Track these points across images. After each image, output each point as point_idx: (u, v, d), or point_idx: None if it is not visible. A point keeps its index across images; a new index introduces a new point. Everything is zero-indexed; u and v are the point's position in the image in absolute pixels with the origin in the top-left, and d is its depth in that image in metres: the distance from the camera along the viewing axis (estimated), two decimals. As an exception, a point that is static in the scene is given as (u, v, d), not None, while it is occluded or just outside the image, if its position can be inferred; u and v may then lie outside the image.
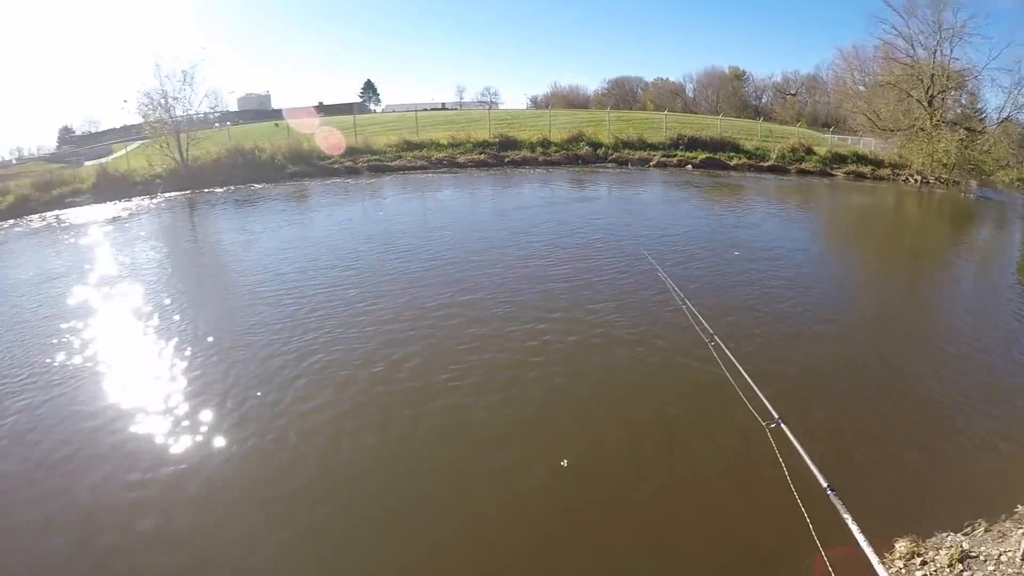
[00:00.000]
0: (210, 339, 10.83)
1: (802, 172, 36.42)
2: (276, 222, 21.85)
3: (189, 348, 10.48)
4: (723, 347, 6.39)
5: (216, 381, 9.11)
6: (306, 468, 6.91)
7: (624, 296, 11.50)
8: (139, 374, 9.71)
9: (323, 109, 75.80)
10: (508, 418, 7.75)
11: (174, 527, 6.19)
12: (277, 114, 69.73)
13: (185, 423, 7.94)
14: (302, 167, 34.34)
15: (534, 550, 5.69)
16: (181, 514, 6.34)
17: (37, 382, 9.92)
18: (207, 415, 8.13)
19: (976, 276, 16.55)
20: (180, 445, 7.48)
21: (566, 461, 6.72)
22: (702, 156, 35.80)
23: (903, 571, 5.20)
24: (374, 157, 35.32)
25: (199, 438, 7.61)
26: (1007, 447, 7.33)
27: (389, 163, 34.51)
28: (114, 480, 6.93)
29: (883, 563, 4.46)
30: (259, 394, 8.58)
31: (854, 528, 3.38)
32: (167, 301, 13.37)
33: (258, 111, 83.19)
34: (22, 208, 33.02)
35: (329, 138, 36.87)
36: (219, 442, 7.51)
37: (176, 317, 12.27)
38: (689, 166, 34.56)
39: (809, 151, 38.88)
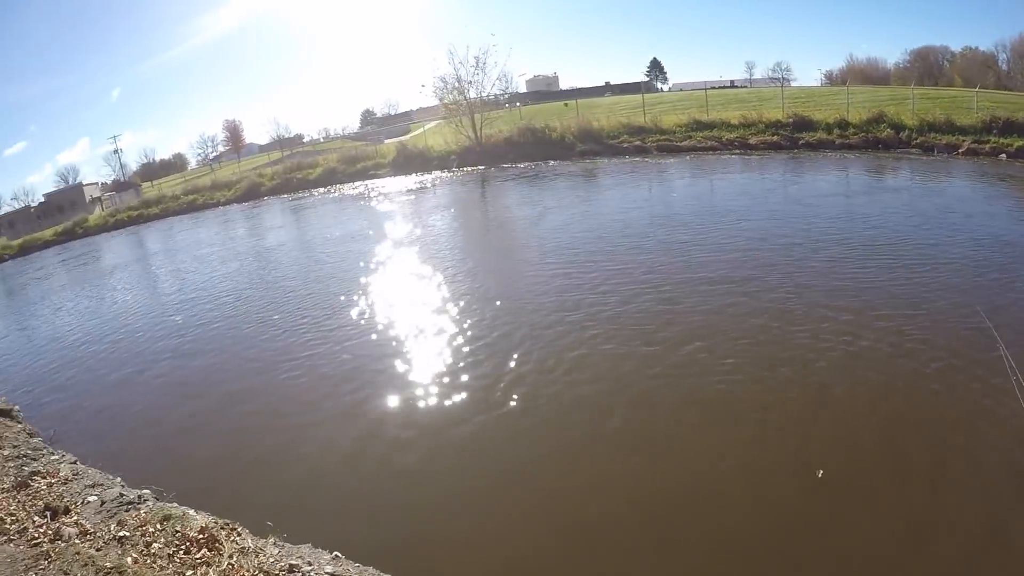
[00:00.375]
0: (497, 304, 12.22)
1: None
2: (566, 198, 23.35)
3: (476, 311, 12.01)
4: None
5: (500, 346, 10.43)
6: (575, 454, 7.49)
7: (926, 311, 10.71)
8: (427, 330, 11.36)
9: (610, 88, 77.62)
10: (777, 422, 7.76)
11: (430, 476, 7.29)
12: (565, 94, 72.31)
13: (464, 383, 9.26)
14: (591, 146, 35.94)
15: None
16: (439, 473, 7.40)
17: (338, 325, 11.96)
18: (488, 377, 9.34)
19: None
20: (458, 403, 8.77)
21: (821, 471, 6.63)
22: (1019, 143, 31.39)
23: None
24: (663, 137, 36.11)
25: (476, 398, 8.80)
26: None
27: (678, 143, 35.10)
28: (388, 426, 8.42)
29: None
30: (541, 362, 9.61)
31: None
32: (458, 264, 15.11)
33: (546, 92, 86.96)
34: (330, 178, 37.97)
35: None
36: (497, 405, 8.56)
37: (465, 280, 13.88)
38: (1003, 155, 30.88)
39: None
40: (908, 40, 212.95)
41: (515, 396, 8.73)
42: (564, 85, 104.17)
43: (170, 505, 6.54)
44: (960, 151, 31.96)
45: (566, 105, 50.92)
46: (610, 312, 11.33)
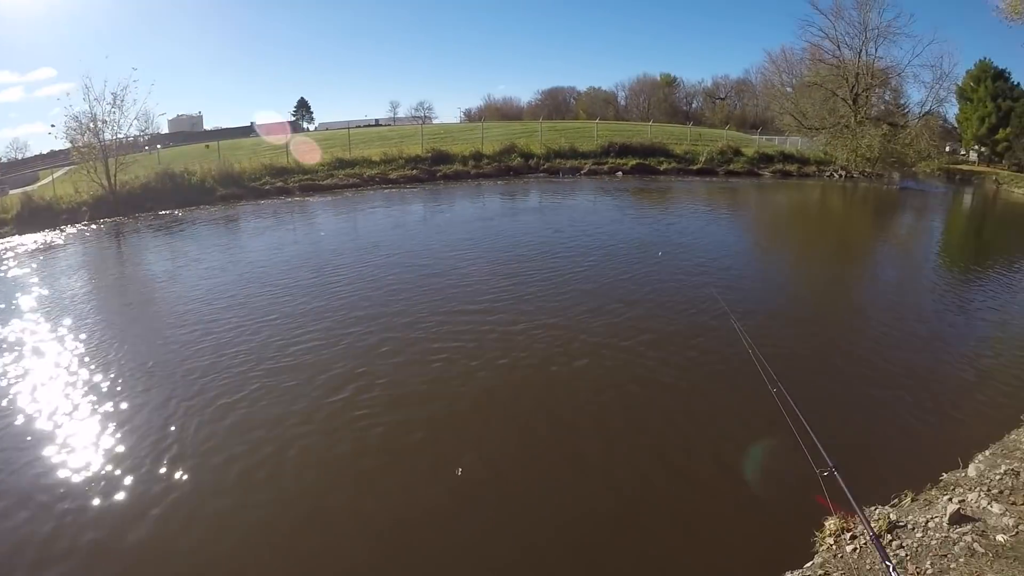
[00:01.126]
0: (143, 374, 10.45)
1: (731, 173, 38.15)
2: (205, 248, 21.48)
3: (121, 385, 10.09)
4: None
5: (154, 422, 8.69)
6: (256, 530, 6.38)
7: (571, 307, 11.57)
8: (56, 419, 9.25)
9: (255, 129, 75.06)
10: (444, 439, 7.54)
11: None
12: (209, 135, 68.64)
13: (123, 472, 7.34)
14: (233, 189, 33.90)
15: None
16: None
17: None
18: (146, 460, 7.50)
19: (902, 261, 18.78)
20: (121, 502, 6.89)
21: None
22: (632, 162, 36.83)
23: (834, 547, 5.33)
24: (306, 177, 35.06)
25: (139, 489, 6.92)
26: (931, 422, 8.14)
27: (321, 182, 34.28)
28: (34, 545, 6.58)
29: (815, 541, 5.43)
30: (197, 432, 8.18)
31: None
32: (90, 335, 12.82)
33: (190, 133, 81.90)
34: (-60, 239, 32.18)
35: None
36: (162, 496, 6.76)
37: (97, 352, 11.79)
38: (620, 173, 35.56)
39: (737, 153, 40.57)
40: (541, 81, 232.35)
41: (180, 478, 7.00)
42: (208, 125, 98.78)
43: None
44: (583, 172, 35.35)
45: (207, 147, 48.49)
46: (259, 371, 9.79)
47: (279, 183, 34.23)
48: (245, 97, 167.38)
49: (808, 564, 5.20)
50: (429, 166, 35.04)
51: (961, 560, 4.89)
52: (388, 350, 10.25)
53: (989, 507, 5.59)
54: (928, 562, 4.93)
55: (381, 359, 9.90)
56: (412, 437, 7.62)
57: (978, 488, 6.05)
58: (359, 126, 71.12)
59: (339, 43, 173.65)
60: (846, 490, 4.44)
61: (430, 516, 6.24)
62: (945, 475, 6.58)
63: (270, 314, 12.56)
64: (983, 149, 63.78)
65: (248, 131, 73.54)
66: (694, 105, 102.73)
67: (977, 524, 5.34)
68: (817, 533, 5.57)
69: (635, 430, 7.64)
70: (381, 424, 7.97)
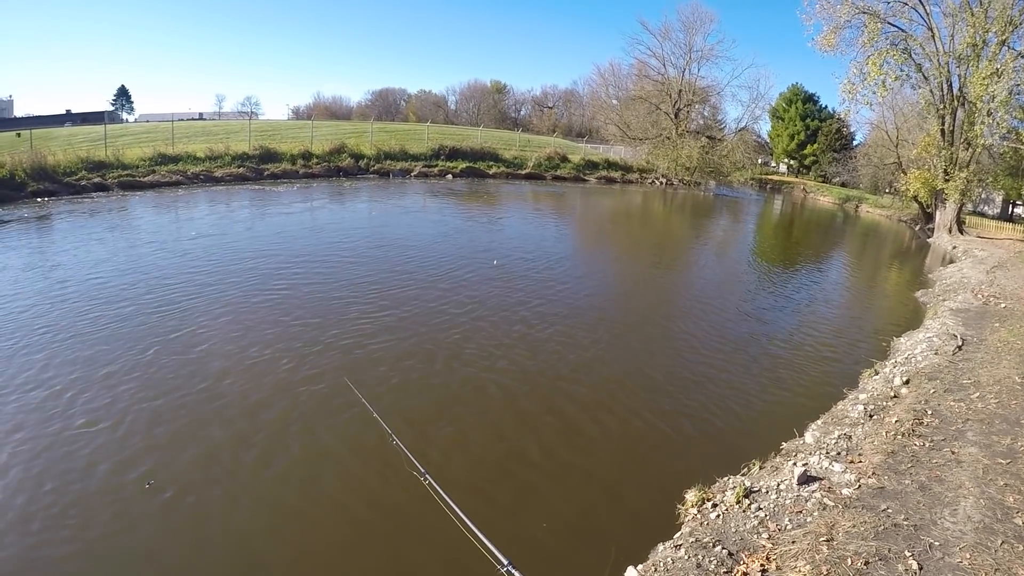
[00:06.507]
0: None
1: (557, 178, 40.41)
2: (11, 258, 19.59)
3: None
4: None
5: None
6: None
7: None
8: None
9: (71, 117, 70.11)
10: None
11: None
12: (20, 123, 63.80)
13: None
14: (47, 184, 31.80)
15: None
16: None
17: None
18: None
19: (718, 260, 21.35)
20: None
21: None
22: (462, 166, 37.84)
23: (698, 516, 5.83)
24: (125, 172, 33.09)
25: None
26: (764, 399, 9.52)
27: (141, 178, 32.46)
28: None
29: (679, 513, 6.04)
30: None
31: None
32: None
33: (-2, 118, 75.69)
34: None
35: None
36: None
37: None
38: (450, 176, 36.49)
39: (564, 159, 42.59)
40: (371, 81, 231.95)
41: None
42: (19, 111, 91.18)
43: None
44: (413, 174, 35.69)
45: (19, 136, 45.25)
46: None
47: (96, 178, 32.03)
48: (62, 81, 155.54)
49: (677, 535, 5.59)
50: (257, 164, 33.95)
51: (815, 514, 5.57)
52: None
53: (831, 467, 6.54)
54: (786, 519, 5.56)
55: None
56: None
57: (818, 452, 7.04)
58: (181, 119, 67.87)
59: (164, 27, 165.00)
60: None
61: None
62: (785, 444, 7.64)
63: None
64: (792, 162, 70.48)
65: (63, 119, 68.81)
66: (523, 112, 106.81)
67: (823, 482, 6.18)
68: (680, 506, 6.13)
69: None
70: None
